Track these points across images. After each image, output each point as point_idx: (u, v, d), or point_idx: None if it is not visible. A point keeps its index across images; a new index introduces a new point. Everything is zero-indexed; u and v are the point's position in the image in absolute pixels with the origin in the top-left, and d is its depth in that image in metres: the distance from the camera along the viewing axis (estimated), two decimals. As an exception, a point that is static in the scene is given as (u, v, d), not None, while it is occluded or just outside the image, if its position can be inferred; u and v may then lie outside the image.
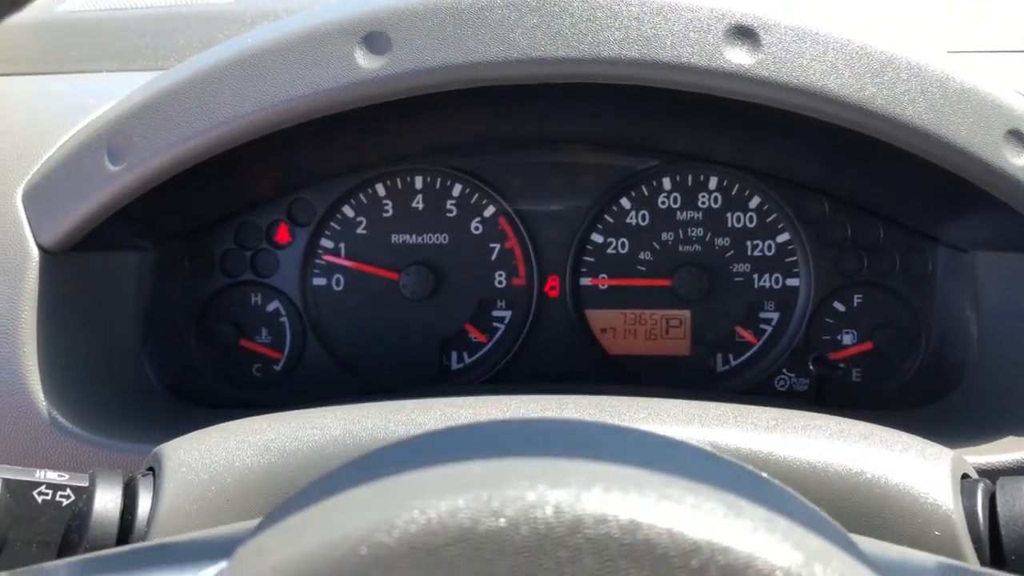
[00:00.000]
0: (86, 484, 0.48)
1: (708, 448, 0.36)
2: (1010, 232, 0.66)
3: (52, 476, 0.49)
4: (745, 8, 0.55)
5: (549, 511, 0.24)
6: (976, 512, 0.46)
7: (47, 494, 0.48)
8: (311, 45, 0.58)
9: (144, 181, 0.61)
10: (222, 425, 0.52)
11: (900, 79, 0.56)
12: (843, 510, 0.46)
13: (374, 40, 0.57)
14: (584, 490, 0.24)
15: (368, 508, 0.25)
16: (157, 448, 0.51)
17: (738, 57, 0.55)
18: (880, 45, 0.56)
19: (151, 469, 0.50)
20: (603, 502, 0.24)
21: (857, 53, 0.56)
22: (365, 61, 0.57)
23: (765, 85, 0.55)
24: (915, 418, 0.70)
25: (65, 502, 0.48)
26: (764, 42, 0.55)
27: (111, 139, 0.62)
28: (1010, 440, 0.60)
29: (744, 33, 0.55)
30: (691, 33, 0.55)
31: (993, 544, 0.46)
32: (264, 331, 0.83)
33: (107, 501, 0.48)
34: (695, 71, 0.54)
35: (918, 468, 0.47)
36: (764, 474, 0.33)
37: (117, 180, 0.61)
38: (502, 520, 0.24)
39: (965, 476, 0.49)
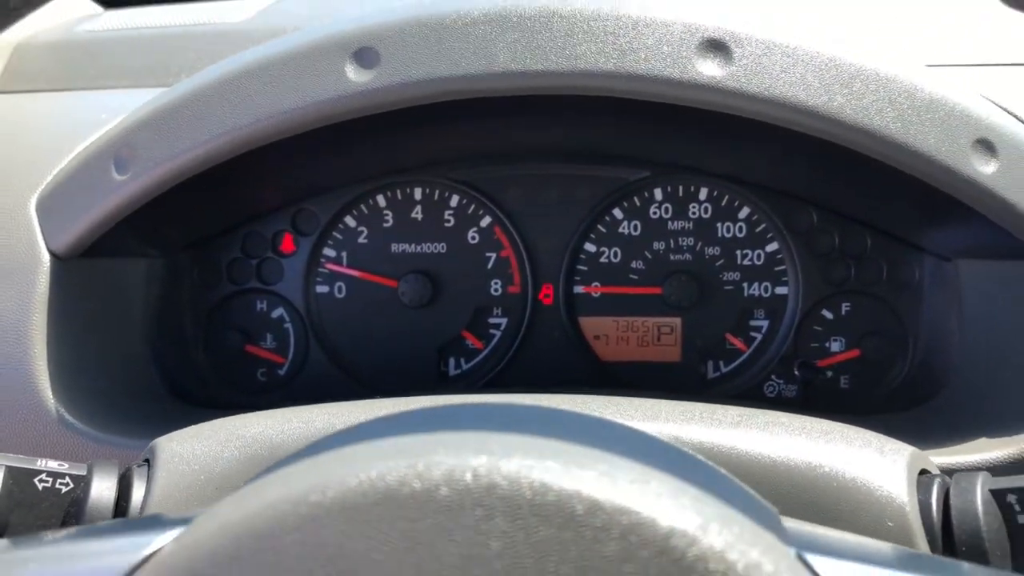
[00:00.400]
0: (84, 473, 0.51)
1: (660, 437, 0.38)
2: (989, 240, 0.67)
3: (52, 465, 0.52)
4: (718, 23, 0.58)
5: (468, 475, 0.26)
6: (931, 505, 0.48)
7: (47, 481, 0.51)
8: (305, 60, 0.61)
9: (148, 190, 0.65)
10: (215, 421, 0.55)
11: (869, 90, 0.58)
12: (803, 501, 0.48)
13: (364, 55, 0.60)
14: (502, 457, 0.27)
15: (308, 475, 0.27)
16: (153, 441, 0.54)
17: (710, 69, 0.57)
18: (850, 58, 0.58)
19: (147, 460, 0.53)
20: (518, 467, 0.26)
21: (827, 65, 0.58)
22: (355, 75, 0.60)
23: (736, 96, 0.57)
24: (896, 421, 0.71)
25: (64, 489, 0.51)
26: (735, 55, 0.57)
27: (118, 151, 0.65)
28: (983, 442, 0.62)
29: (716, 47, 0.57)
30: (664, 47, 0.57)
31: (945, 535, 0.47)
32: (269, 337, 0.86)
33: (103, 489, 0.51)
34: (668, 83, 0.57)
35: (875, 462, 0.49)
36: (700, 457, 0.35)
37: (123, 189, 0.65)
38: (426, 483, 0.26)
39: (924, 472, 0.51)
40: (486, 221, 0.84)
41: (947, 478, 0.50)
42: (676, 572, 0.25)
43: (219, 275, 0.85)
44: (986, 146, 0.59)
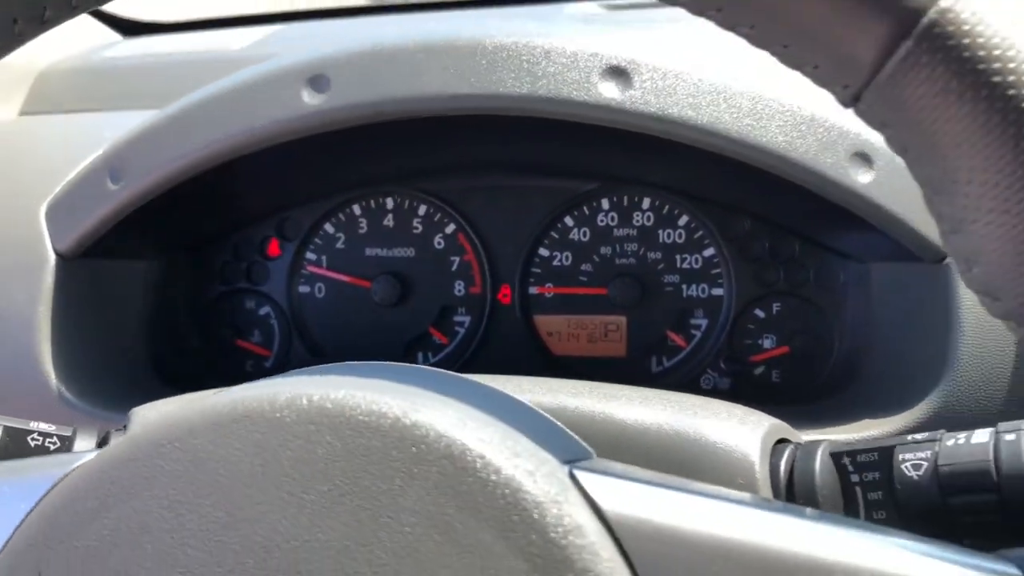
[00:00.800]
0: (69, 434, 0.61)
1: (510, 393, 0.46)
2: (888, 245, 0.75)
3: (44, 427, 0.61)
4: (619, 52, 0.66)
5: (304, 400, 0.35)
6: (779, 467, 0.55)
7: (38, 440, 0.61)
8: (268, 86, 0.71)
9: (137, 198, 0.75)
10: (192, 394, 0.64)
11: (755, 108, 0.66)
12: (671, 461, 0.56)
13: (317, 81, 0.69)
14: (333, 388, 0.35)
15: (192, 405, 0.36)
16: (133, 409, 0.63)
17: (610, 92, 0.65)
18: (738, 81, 0.66)
19: (125, 426, 0.63)
20: (344, 395, 0.35)
21: (716, 88, 0.66)
22: (310, 98, 0.69)
23: (635, 116, 0.65)
24: (814, 409, 0.79)
25: (52, 447, 0.61)
26: (635, 80, 0.66)
27: (113, 163, 0.76)
28: (865, 423, 0.69)
29: (617, 72, 0.65)
30: (570, 72, 0.66)
31: (789, 494, 0.55)
32: (256, 332, 0.95)
33: (83, 447, 0.60)
34: (574, 104, 0.65)
35: (735, 429, 0.56)
36: (530, 404, 0.43)
37: (116, 197, 0.75)
38: (273, 405, 0.35)
39: (783, 440, 0.58)
40: (451, 228, 0.93)
41: (800, 445, 0.57)
42: (451, 470, 0.33)
43: (212, 276, 0.95)
44: (863, 158, 0.67)
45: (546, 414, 0.43)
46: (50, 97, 1.02)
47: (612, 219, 0.91)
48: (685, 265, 0.90)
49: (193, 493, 0.34)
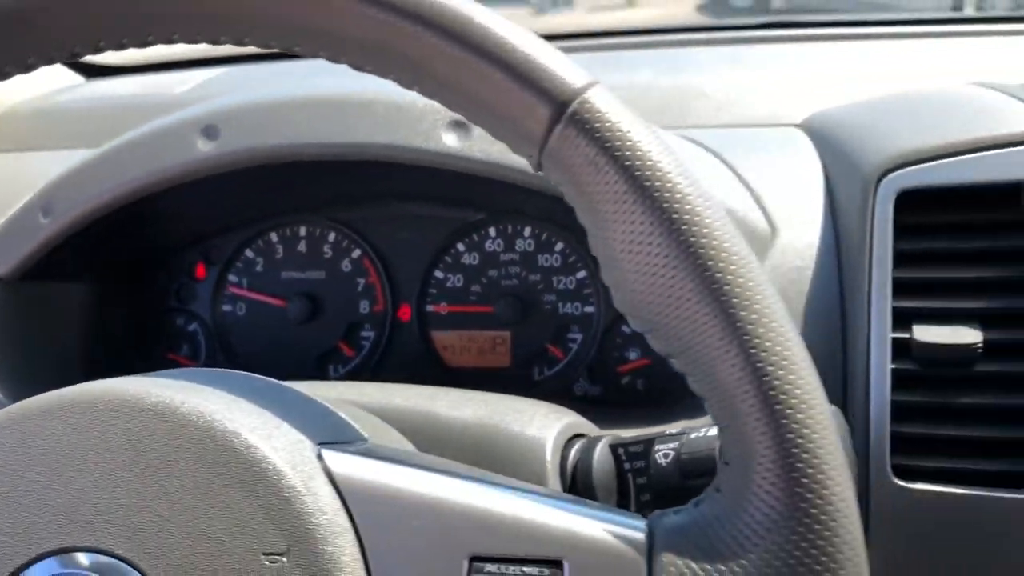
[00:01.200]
0: None
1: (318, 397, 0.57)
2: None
3: None
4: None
5: (112, 394, 0.46)
6: (568, 459, 0.66)
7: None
8: (170, 134, 0.82)
9: (64, 230, 0.86)
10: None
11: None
12: (482, 453, 0.67)
13: (209, 130, 0.81)
14: (139, 385, 0.47)
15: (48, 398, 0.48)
16: None
17: (452, 141, 0.77)
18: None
19: None
20: (141, 390, 0.46)
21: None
22: (203, 145, 0.81)
23: (473, 162, 0.77)
24: (655, 412, 0.89)
25: None
26: (473, 131, 0.77)
27: (45, 199, 0.88)
28: (682, 422, 0.80)
29: (458, 125, 0.77)
30: (420, 124, 0.77)
31: (573, 483, 0.65)
32: (185, 347, 1.07)
33: None
34: (422, 151, 0.77)
35: (533, 427, 0.67)
36: (323, 402, 0.54)
37: (46, 229, 0.86)
38: (92, 396, 0.46)
39: (579, 436, 0.69)
40: (356, 253, 1.05)
41: (590, 439, 0.68)
42: (212, 447, 0.45)
43: (145, 296, 1.06)
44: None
45: (336, 409, 0.54)
46: (10, 136, 1.14)
47: (498, 245, 1.02)
48: (561, 286, 1.01)
49: (24, 463, 0.46)
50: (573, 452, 0.67)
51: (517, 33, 0.47)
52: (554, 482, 0.65)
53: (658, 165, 0.45)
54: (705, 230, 0.44)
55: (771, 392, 0.43)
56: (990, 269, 0.71)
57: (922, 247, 0.73)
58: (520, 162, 0.78)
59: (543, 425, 0.68)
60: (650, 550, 0.44)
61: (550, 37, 1.11)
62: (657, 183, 0.45)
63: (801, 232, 0.81)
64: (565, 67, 0.47)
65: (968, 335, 0.70)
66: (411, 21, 0.46)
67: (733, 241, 0.45)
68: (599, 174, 0.46)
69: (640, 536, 0.45)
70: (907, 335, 0.71)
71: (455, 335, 1.03)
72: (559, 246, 1.01)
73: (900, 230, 0.74)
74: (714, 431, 0.61)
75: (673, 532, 0.45)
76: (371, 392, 0.71)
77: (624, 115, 0.46)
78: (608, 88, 0.48)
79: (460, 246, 1.03)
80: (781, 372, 0.43)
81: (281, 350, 1.05)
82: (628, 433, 0.74)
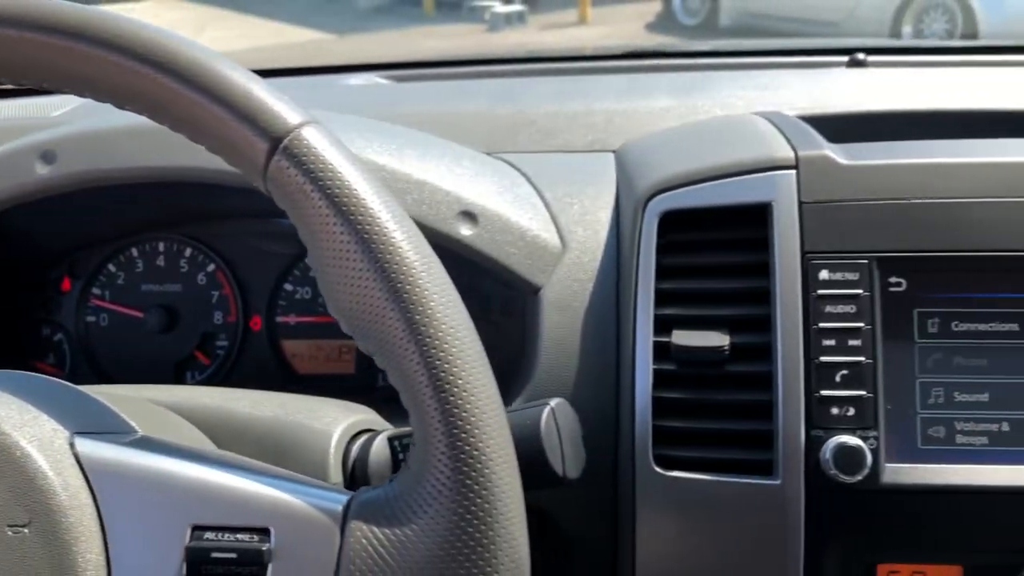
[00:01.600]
0: None
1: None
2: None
3: None
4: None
5: None
6: (351, 452, 0.74)
7: None
8: (12, 157, 0.89)
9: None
10: None
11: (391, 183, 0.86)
12: (276, 449, 0.74)
13: (47, 155, 0.88)
14: None
15: None
16: None
17: None
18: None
19: None
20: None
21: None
22: (41, 169, 0.88)
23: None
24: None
25: None
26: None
27: None
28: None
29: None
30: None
31: (354, 475, 0.73)
32: (51, 356, 1.13)
33: None
34: (224, 172, 0.85)
35: (319, 424, 0.74)
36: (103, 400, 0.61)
37: None
38: None
39: (368, 431, 0.77)
40: (211, 267, 1.12)
41: (374, 434, 0.76)
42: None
43: (18, 307, 1.12)
44: (468, 216, 0.86)
45: (113, 405, 0.61)
46: None
47: (343, 260, 1.10)
48: (401, 297, 1.09)
49: None
50: (356, 446, 0.75)
51: (243, 79, 0.55)
52: (335, 473, 0.73)
53: (355, 191, 0.53)
54: (391, 246, 0.53)
55: (440, 384, 0.51)
56: (737, 281, 0.81)
57: (681, 262, 0.82)
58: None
59: (331, 422, 0.75)
60: (344, 519, 0.52)
61: (407, 65, 1.22)
62: (353, 207, 0.53)
63: (588, 250, 0.90)
64: (282, 107, 0.55)
65: (717, 339, 0.79)
66: (152, 69, 0.54)
67: (418, 255, 0.54)
68: (307, 199, 0.54)
69: (338, 508, 0.53)
70: (667, 339, 0.80)
71: (303, 344, 1.11)
72: (399, 260, 1.09)
73: (663, 247, 0.83)
74: None
75: (366, 504, 0.53)
76: (180, 393, 0.78)
77: (330, 149, 0.54)
78: (322, 127, 0.56)
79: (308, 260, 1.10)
80: (447, 366, 0.52)
81: (141, 358, 1.12)
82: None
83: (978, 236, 0.77)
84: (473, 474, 0.50)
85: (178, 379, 1.12)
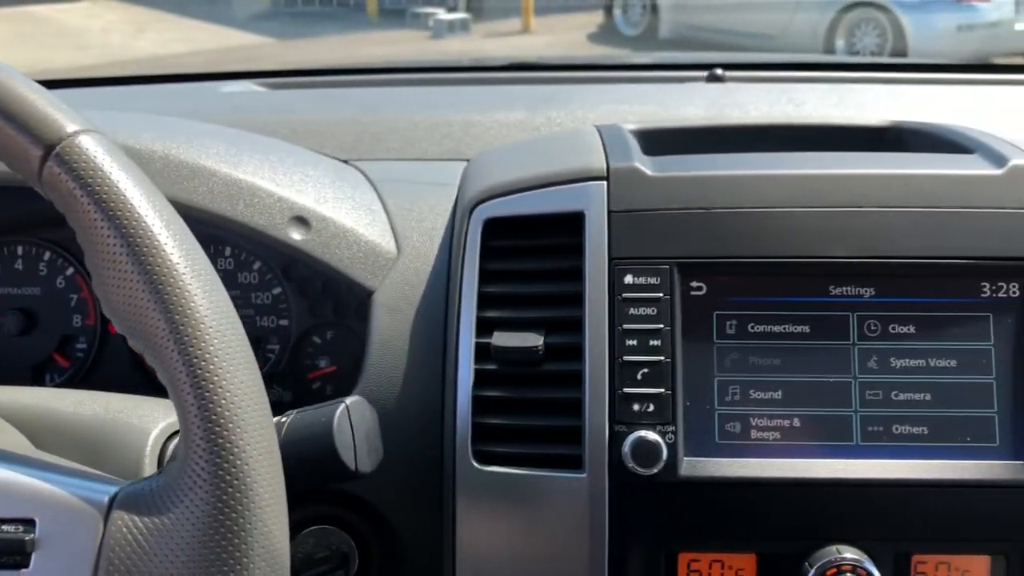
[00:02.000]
0: None
1: None
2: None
3: None
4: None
5: None
6: (167, 450, 0.76)
7: None
8: None
9: None
10: None
11: (226, 186, 0.88)
12: (93, 445, 0.76)
13: None
14: None
15: None
16: None
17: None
18: (212, 162, 0.88)
19: None
20: None
21: (193, 171, 0.88)
22: None
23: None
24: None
25: None
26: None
27: None
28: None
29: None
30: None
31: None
32: (-92, 359, 1.13)
33: None
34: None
35: (140, 422, 0.77)
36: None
37: None
38: None
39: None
40: (70, 271, 1.13)
41: None
42: None
43: None
44: (301, 221, 0.89)
45: None
46: None
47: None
48: (258, 301, 1.11)
49: None
50: (175, 443, 0.77)
51: (22, 87, 0.57)
52: (150, 470, 0.75)
53: (123, 196, 0.56)
54: (155, 249, 0.55)
55: (197, 380, 0.54)
56: (554, 285, 0.85)
57: (502, 267, 0.86)
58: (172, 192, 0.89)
59: (151, 420, 0.77)
60: (109, 509, 0.55)
61: (283, 73, 1.24)
62: (120, 211, 0.56)
63: (421, 255, 0.93)
64: (59, 116, 0.57)
65: (532, 339, 0.83)
66: None
67: (183, 258, 0.56)
68: (78, 203, 0.56)
69: (104, 498, 0.55)
70: (488, 340, 0.84)
71: (163, 346, 1.12)
72: (256, 264, 1.11)
73: (486, 252, 0.86)
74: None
75: (132, 494, 0.55)
76: (2, 396, 0.79)
77: (103, 156, 0.57)
78: (99, 135, 0.58)
79: (168, 264, 1.12)
80: (204, 363, 0.54)
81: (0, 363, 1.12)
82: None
83: (774, 244, 0.81)
84: (226, 465, 0.53)
85: (36, 381, 1.13)
